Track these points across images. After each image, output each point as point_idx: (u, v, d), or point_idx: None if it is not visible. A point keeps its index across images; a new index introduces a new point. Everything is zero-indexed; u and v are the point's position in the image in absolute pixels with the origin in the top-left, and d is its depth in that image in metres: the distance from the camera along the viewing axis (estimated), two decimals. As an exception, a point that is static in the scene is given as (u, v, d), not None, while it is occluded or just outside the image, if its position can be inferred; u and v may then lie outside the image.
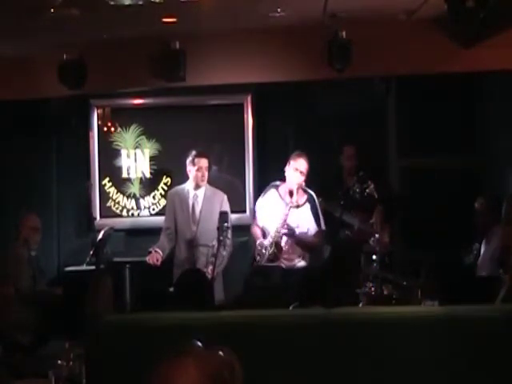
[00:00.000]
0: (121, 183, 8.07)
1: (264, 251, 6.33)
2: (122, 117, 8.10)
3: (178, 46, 6.64)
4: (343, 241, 6.78)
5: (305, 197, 6.53)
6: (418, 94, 7.61)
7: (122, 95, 7.84)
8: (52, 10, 5.54)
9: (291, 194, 6.42)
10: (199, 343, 1.93)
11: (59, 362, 3.56)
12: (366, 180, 6.39)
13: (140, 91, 7.67)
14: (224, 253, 6.37)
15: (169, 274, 6.43)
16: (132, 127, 8.04)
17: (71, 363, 3.56)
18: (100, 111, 8.09)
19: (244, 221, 7.41)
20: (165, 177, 8.01)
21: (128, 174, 8.07)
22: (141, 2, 5.47)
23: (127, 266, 7.29)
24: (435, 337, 3.25)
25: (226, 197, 6.73)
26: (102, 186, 8.04)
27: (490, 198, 6.28)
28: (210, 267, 6.15)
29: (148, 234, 7.31)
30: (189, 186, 6.73)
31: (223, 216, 6.24)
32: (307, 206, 6.51)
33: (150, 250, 6.56)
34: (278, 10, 5.98)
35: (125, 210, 8.05)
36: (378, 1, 5.89)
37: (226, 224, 6.17)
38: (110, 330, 3.38)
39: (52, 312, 5.53)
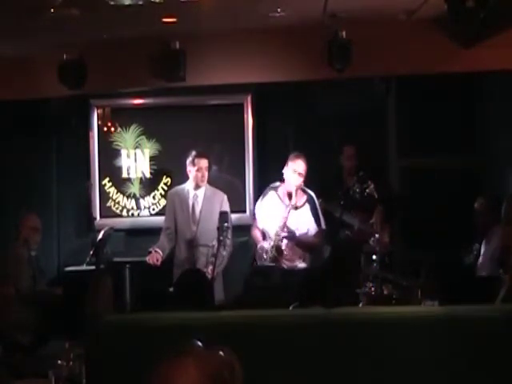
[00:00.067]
0: (121, 183, 8.07)
1: (265, 255, 6.33)
2: (122, 117, 8.10)
3: (177, 46, 6.64)
4: (343, 241, 6.78)
5: (304, 197, 6.53)
6: (418, 94, 7.61)
7: (122, 95, 7.84)
8: (52, 10, 5.53)
9: (290, 196, 6.43)
10: (199, 343, 1.93)
11: (59, 362, 3.56)
12: (365, 180, 6.39)
13: (140, 91, 7.67)
14: (224, 253, 6.37)
15: (169, 274, 6.43)
16: (132, 127, 8.04)
17: (71, 363, 3.56)
18: (100, 111, 8.09)
19: (244, 221, 7.41)
20: (165, 177, 8.01)
21: (128, 173, 8.07)
22: (141, 2, 5.47)
23: (127, 265, 7.29)
24: (435, 337, 3.25)
25: (225, 197, 6.73)
26: (102, 186, 8.04)
27: (490, 198, 6.28)
28: (210, 267, 6.16)
29: (148, 233, 7.31)
30: (189, 186, 6.73)
31: (223, 216, 6.24)
32: (307, 206, 6.51)
33: (150, 249, 6.56)
34: (278, 9, 5.97)
35: (125, 210, 8.05)
36: (377, 1, 5.89)
37: (226, 224, 6.16)
38: (110, 330, 3.38)
39: (52, 312, 5.52)
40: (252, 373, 2.00)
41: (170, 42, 6.62)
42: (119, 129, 8.07)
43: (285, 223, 6.35)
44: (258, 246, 6.46)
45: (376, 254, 5.69)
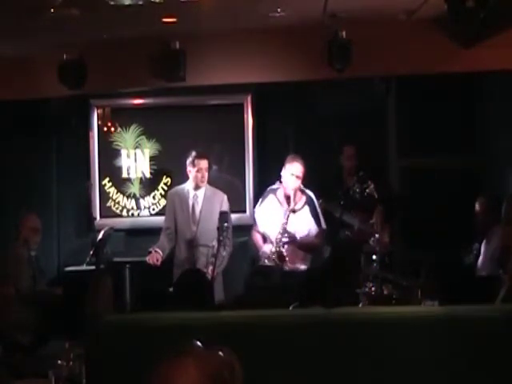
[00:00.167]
0: (121, 183, 8.07)
1: (267, 261, 6.32)
2: (122, 117, 8.10)
3: (177, 46, 6.64)
4: (343, 241, 6.78)
5: (303, 199, 6.52)
6: (417, 94, 7.61)
7: (122, 95, 7.84)
8: (52, 10, 5.53)
9: (288, 199, 6.42)
10: (199, 343, 1.93)
11: (59, 362, 3.56)
12: (366, 180, 6.38)
13: (140, 91, 7.67)
14: (224, 253, 6.36)
15: (169, 274, 6.43)
16: (132, 127, 8.04)
17: (71, 363, 3.56)
18: (100, 111, 8.09)
19: (244, 221, 7.41)
20: (165, 177, 8.01)
21: (128, 173, 8.07)
22: (141, 2, 5.47)
23: (127, 266, 7.29)
24: (435, 337, 3.25)
25: (225, 197, 6.73)
26: (102, 186, 8.04)
27: (490, 198, 6.28)
28: (210, 267, 6.15)
29: (148, 233, 7.31)
30: (189, 186, 6.73)
31: (223, 216, 6.24)
32: (306, 208, 6.51)
33: (150, 249, 6.56)
34: (278, 9, 5.97)
35: (125, 210, 8.05)
36: (378, 1, 5.89)
37: (226, 224, 6.16)
38: (110, 330, 3.38)
39: (52, 312, 5.52)
40: (252, 373, 2.00)
41: (170, 41, 6.62)
42: (119, 129, 8.07)
43: (285, 229, 6.35)
44: (260, 251, 6.46)
45: (376, 254, 5.69)
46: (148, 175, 8.06)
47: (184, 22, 6.17)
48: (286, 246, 6.35)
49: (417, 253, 6.18)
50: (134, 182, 8.07)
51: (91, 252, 7.26)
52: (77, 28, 6.06)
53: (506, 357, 3.21)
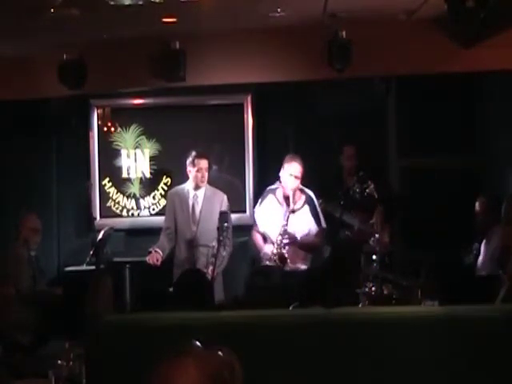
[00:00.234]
0: (121, 183, 8.07)
1: (268, 263, 6.31)
2: (122, 117, 8.10)
3: (177, 46, 6.64)
4: (343, 241, 6.78)
5: (303, 198, 6.52)
6: (418, 94, 7.61)
7: (122, 95, 7.84)
8: (52, 10, 5.53)
9: (288, 199, 6.42)
10: (199, 343, 1.93)
11: (59, 362, 3.56)
12: (366, 180, 6.39)
13: (140, 91, 7.67)
14: (224, 253, 6.36)
15: (169, 274, 6.43)
16: (132, 127, 8.04)
17: (71, 363, 3.56)
18: (100, 111, 8.09)
19: (244, 221, 7.41)
20: (165, 177, 8.01)
21: (128, 173, 8.07)
22: (141, 2, 5.47)
23: (127, 266, 7.29)
24: (435, 337, 3.25)
25: (225, 197, 6.73)
26: (102, 186, 8.04)
27: (490, 198, 6.28)
28: (210, 267, 6.15)
29: (148, 233, 7.31)
30: (189, 186, 6.73)
31: (223, 216, 6.24)
32: (306, 208, 6.50)
33: (150, 249, 6.56)
34: (278, 9, 5.97)
35: (125, 210, 8.05)
36: (378, 1, 5.89)
37: (225, 224, 6.16)
38: (110, 330, 3.38)
39: (52, 312, 5.52)
40: (252, 373, 2.00)
41: (170, 41, 6.62)
42: (119, 129, 8.07)
43: (285, 230, 6.35)
44: (262, 253, 6.46)
45: (376, 254, 5.69)
46: (148, 175, 8.06)
47: (184, 22, 6.17)
48: (287, 248, 6.34)
49: (417, 253, 6.18)
50: (133, 182, 8.07)
51: (91, 252, 7.26)
52: (77, 28, 6.06)
53: (506, 357, 3.21)
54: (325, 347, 3.25)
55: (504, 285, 5.12)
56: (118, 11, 5.60)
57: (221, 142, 7.92)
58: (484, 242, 6.12)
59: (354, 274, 5.38)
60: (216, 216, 6.30)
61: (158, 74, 6.77)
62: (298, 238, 6.42)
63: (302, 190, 6.53)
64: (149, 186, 8.05)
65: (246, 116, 7.96)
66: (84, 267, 7.37)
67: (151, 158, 8.05)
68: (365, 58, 6.46)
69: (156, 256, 6.51)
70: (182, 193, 6.75)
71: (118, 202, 8.05)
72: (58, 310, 5.59)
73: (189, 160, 6.65)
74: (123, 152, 8.06)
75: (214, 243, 6.21)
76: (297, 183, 6.43)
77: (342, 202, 6.49)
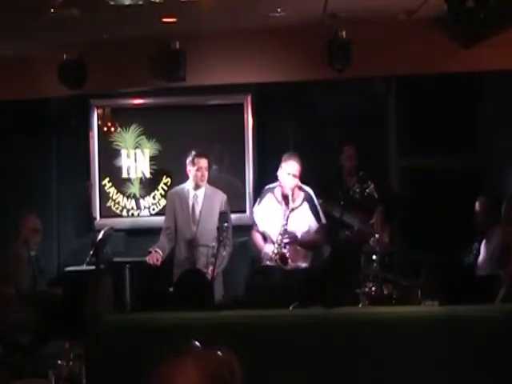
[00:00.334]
0: (121, 183, 8.07)
1: (269, 263, 6.31)
2: (122, 117, 8.10)
3: (177, 46, 6.64)
4: (343, 241, 6.78)
5: (301, 195, 6.52)
6: (417, 94, 7.61)
7: (122, 95, 7.84)
8: (52, 10, 5.54)
9: (287, 198, 6.42)
10: (198, 343, 1.93)
11: (59, 362, 3.56)
12: (366, 180, 6.38)
13: (140, 91, 7.67)
14: (224, 253, 6.37)
15: (169, 274, 6.43)
16: (132, 127, 8.04)
17: (71, 363, 3.56)
18: (100, 111, 8.09)
19: (244, 221, 7.41)
20: (165, 177, 8.01)
21: (128, 174, 8.07)
22: (141, 2, 5.47)
23: (127, 266, 7.29)
24: (435, 337, 3.25)
25: (225, 197, 6.73)
26: (102, 186, 8.04)
27: (490, 198, 6.27)
28: (210, 267, 6.15)
29: (148, 233, 7.31)
30: (189, 185, 6.73)
31: (223, 216, 6.24)
32: (305, 205, 6.50)
33: (150, 249, 6.56)
34: (278, 9, 5.98)
35: (125, 210, 8.05)
36: (378, 1, 5.89)
37: (225, 224, 6.16)
38: (110, 330, 3.38)
39: (52, 312, 5.52)
40: (252, 373, 2.00)
41: (170, 41, 6.62)
42: (119, 129, 8.07)
43: (285, 230, 6.34)
44: (262, 253, 6.46)
45: (376, 254, 5.68)
46: (148, 175, 8.06)
47: (184, 22, 6.17)
48: (287, 247, 6.34)
49: (417, 253, 6.18)
50: (133, 182, 8.06)
51: (91, 252, 7.26)
52: (77, 28, 6.06)
53: (506, 357, 3.21)
54: (325, 347, 3.25)
55: (504, 285, 5.12)
56: (118, 11, 5.60)
57: (221, 142, 7.92)
58: (484, 241, 6.12)
59: (353, 274, 5.39)
60: (216, 216, 6.31)
61: (158, 74, 6.77)
62: (299, 237, 6.42)
63: (300, 188, 6.52)
64: (149, 185, 8.05)
65: (246, 116, 7.96)
66: (84, 267, 7.37)
67: (151, 158, 8.05)
68: (365, 58, 6.46)
69: (156, 256, 6.51)
70: (182, 193, 6.75)
71: (118, 202, 8.04)
72: (58, 310, 5.59)
73: (189, 159, 6.65)
74: (123, 152, 8.06)
75: (214, 243, 6.21)
76: (295, 182, 6.43)
77: (341, 202, 6.48)
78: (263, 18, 6.16)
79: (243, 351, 1.99)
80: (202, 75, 6.81)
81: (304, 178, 6.57)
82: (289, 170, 6.41)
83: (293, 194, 6.42)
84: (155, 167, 8.04)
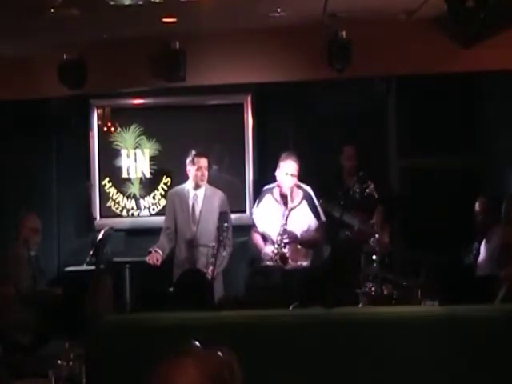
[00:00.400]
0: (121, 183, 8.07)
1: (269, 263, 6.31)
2: (122, 117, 8.10)
3: (177, 46, 6.64)
4: (343, 241, 6.78)
5: (300, 194, 6.52)
6: (418, 94, 7.61)
7: (122, 95, 7.84)
8: (52, 10, 5.53)
9: (285, 198, 6.42)
10: (198, 343, 1.93)
11: (59, 362, 3.56)
12: (366, 180, 6.39)
13: (140, 91, 7.67)
14: (224, 253, 6.37)
15: (169, 274, 6.43)
16: (132, 127, 8.04)
17: (71, 363, 3.56)
18: (100, 111, 8.09)
19: (244, 221, 7.40)
20: (165, 177, 8.01)
21: (128, 174, 8.07)
22: (141, 2, 5.47)
23: (127, 266, 7.29)
24: (435, 337, 3.25)
25: (225, 197, 6.73)
26: (102, 186, 8.04)
27: (490, 198, 6.27)
28: (210, 267, 6.15)
29: (148, 233, 7.31)
30: (189, 185, 6.73)
31: (223, 216, 6.25)
32: (304, 203, 6.50)
33: (150, 249, 6.56)
34: (278, 9, 5.97)
35: (125, 210, 8.05)
36: (378, 1, 5.89)
37: (225, 224, 6.17)
38: (110, 330, 3.38)
39: (52, 312, 5.52)
40: (252, 373, 2.00)
41: (170, 41, 6.62)
42: (119, 129, 8.07)
43: (285, 230, 6.34)
44: (262, 253, 6.46)
45: (376, 254, 5.69)
46: (148, 175, 8.06)
47: (184, 22, 6.17)
48: (287, 247, 6.34)
49: (417, 253, 6.18)
50: (133, 182, 8.06)
51: (91, 252, 7.26)
52: (77, 28, 6.06)
53: (506, 357, 3.21)
54: (325, 347, 3.25)
55: (504, 285, 5.12)
56: (118, 11, 5.60)
57: (221, 142, 7.92)
58: (484, 241, 6.12)
59: (353, 274, 5.39)
60: (216, 216, 6.31)
61: (158, 73, 6.77)
62: (298, 236, 6.42)
63: (298, 186, 6.52)
64: (149, 185, 8.05)
65: (246, 116, 7.96)
66: (84, 267, 7.37)
67: (151, 158, 8.05)
68: (365, 57, 6.46)
69: (156, 256, 6.51)
70: (182, 193, 6.75)
71: (118, 202, 8.04)
72: (58, 310, 5.60)
73: (188, 159, 6.66)
74: (123, 152, 8.06)
75: (214, 243, 6.21)
76: (293, 181, 6.43)
77: (341, 202, 6.48)
78: (263, 17, 6.16)
79: (243, 351, 1.99)
80: (202, 75, 6.81)
81: (304, 178, 6.57)
82: (287, 170, 6.41)
83: (291, 194, 6.42)
84: (155, 167, 8.04)
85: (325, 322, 3.31)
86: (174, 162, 7.62)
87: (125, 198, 8.05)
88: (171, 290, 5.28)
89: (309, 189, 6.56)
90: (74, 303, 5.27)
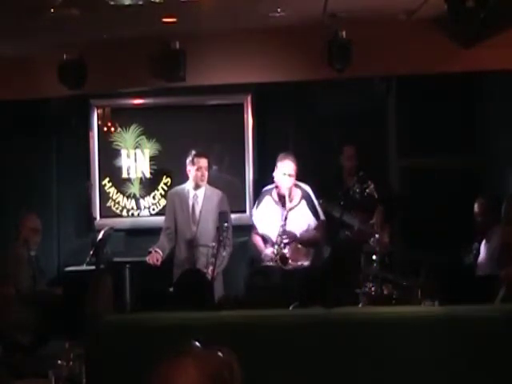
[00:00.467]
0: (121, 183, 8.07)
1: (270, 264, 6.31)
2: (122, 117, 8.10)
3: (177, 46, 6.64)
4: (343, 241, 6.78)
5: (299, 194, 6.52)
6: (417, 94, 7.61)
7: (122, 95, 7.84)
8: (52, 10, 5.53)
9: (284, 198, 6.41)
10: (198, 343, 1.93)
11: (59, 362, 3.56)
12: (366, 180, 6.39)
13: (140, 91, 7.67)
14: (224, 253, 6.37)
15: (169, 274, 6.43)
16: (132, 127, 8.04)
17: (71, 363, 3.56)
18: (100, 111, 8.09)
19: (244, 221, 7.40)
20: (165, 177, 8.01)
21: (128, 174, 8.07)
22: (141, 2, 5.47)
23: (127, 266, 7.29)
24: (435, 337, 3.25)
25: (225, 197, 6.74)
26: (102, 186, 8.04)
27: (490, 198, 6.27)
28: (210, 267, 6.15)
29: (148, 233, 7.31)
30: (189, 185, 6.73)
31: (223, 216, 6.25)
32: (303, 203, 6.51)
33: (150, 249, 6.56)
34: (278, 9, 5.97)
35: (125, 210, 8.05)
36: (378, 1, 5.89)
37: (225, 224, 6.17)
38: (110, 330, 3.38)
39: (52, 312, 5.52)
40: (252, 373, 2.00)
41: (170, 41, 6.62)
42: (119, 129, 8.07)
43: (284, 230, 6.34)
44: (262, 254, 6.46)
45: (376, 254, 5.69)
46: (148, 175, 8.06)
47: (184, 22, 6.17)
48: (287, 247, 6.34)
49: (417, 253, 6.18)
50: (133, 182, 8.06)
51: (91, 252, 7.26)
52: (77, 28, 6.06)
53: (506, 357, 3.21)
54: (325, 347, 3.25)
55: (504, 285, 5.12)
56: (118, 11, 5.60)
57: (221, 142, 7.92)
58: (484, 242, 6.12)
59: (353, 274, 5.39)
60: (216, 216, 6.31)
61: (158, 74, 6.77)
62: (298, 235, 6.42)
63: (297, 186, 6.52)
64: (149, 185, 8.05)
65: (246, 116, 7.96)
66: (84, 267, 7.37)
67: (151, 158, 8.05)
68: (365, 58, 6.46)
69: (156, 256, 6.51)
70: (182, 193, 6.75)
71: (118, 202, 8.04)
72: (58, 310, 5.60)
73: (188, 159, 6.66)
74: (123, 152, 8.06)
75: (214, 243, 6.21)
76: (291, 181, 6.43)
77: (342, 202, 6.48)
78: (263, 17, 6.16)
79: (243, 351, 1.99)
80: (202, 75, 6.81)
81: (304, 178, 6.57)
82: (284, 170, 6.41)
83: (290, 194, 6.42)
84: (155, 167, 8.04)
85: (325, 322, 3.31)
86: (174, 161, 7.62)
87: (125, 198, 8.05)
88: (171, 290, 5.28)
89: (308, 188, 6.56)
90: (74, 303, 5.27)
